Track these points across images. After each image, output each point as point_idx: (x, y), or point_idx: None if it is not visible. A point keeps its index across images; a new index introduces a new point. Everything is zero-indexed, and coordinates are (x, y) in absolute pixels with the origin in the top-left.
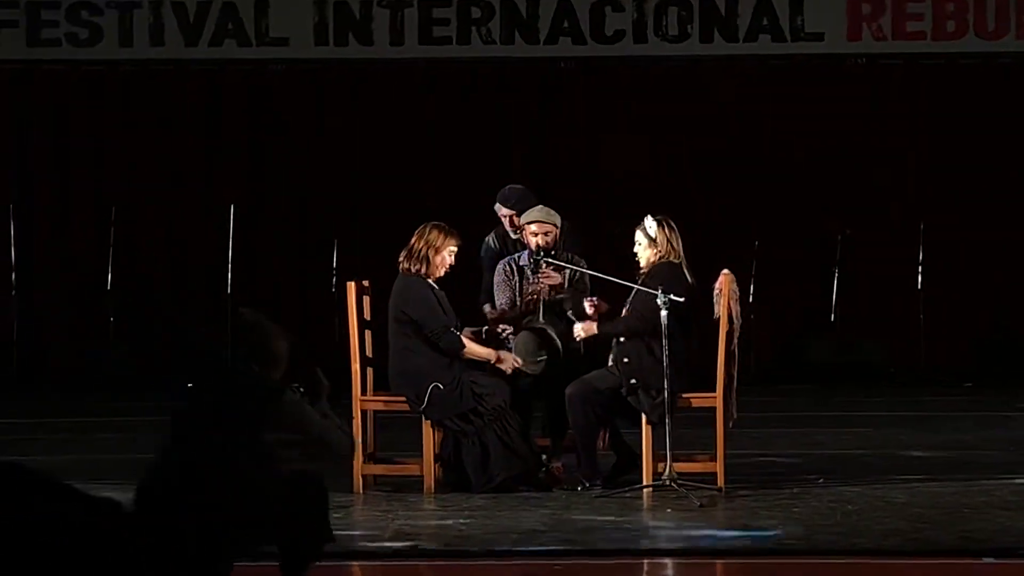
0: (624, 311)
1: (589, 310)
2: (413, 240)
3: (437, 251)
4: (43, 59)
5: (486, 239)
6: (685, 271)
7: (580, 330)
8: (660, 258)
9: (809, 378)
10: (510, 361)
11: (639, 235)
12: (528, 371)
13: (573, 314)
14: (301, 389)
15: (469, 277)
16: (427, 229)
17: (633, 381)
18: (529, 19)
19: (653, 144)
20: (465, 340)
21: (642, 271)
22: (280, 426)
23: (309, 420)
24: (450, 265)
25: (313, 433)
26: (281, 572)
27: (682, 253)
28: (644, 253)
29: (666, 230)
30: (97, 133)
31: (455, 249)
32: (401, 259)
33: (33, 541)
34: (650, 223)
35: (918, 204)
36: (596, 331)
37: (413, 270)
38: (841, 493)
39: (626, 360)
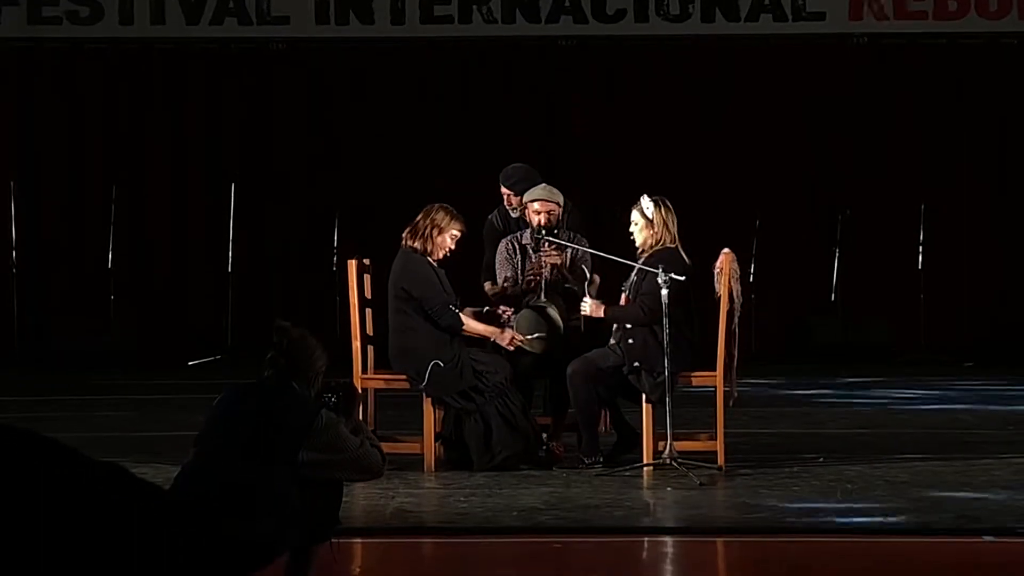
0: (624, 297)
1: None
2: (419, 218)
3: (441, 231)
4: (44, 37)
5: (489, 217)
6: (682, 254)
7: (587, 306)
8: (657, 241)
9: (810, 357)
10: (509, 336)
11: (635, 215)
12: (529, 348)
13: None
14: (333, 399)
15: (470, 256)
16: (434, 209)
17: (636, 363)
18: None
19: (655, 122)
20: (465, 318)
21: (639, 253)
22: (316, 448)
23: (344, 441)
24: (450, 249)
25: (348, 455)
26: (290, 559)
27: (677, 235)
28: (640, 234)
29: (663, 211)
30: (99, 111)
31: (458, 234)
32: (405, 235)
33: (41, 507)
34: (647, 203)
35: (919, 184)
36: (603, 314)
37: (416, 247)
38: (841, 472)
39: (631, 341)
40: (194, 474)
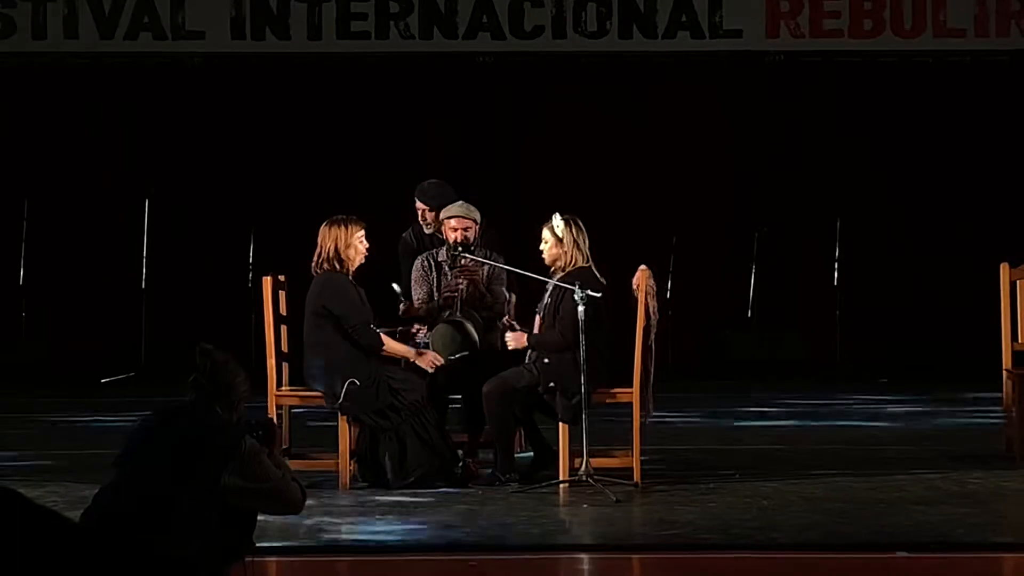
0: (537, 319)
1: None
2: (319, 244)
3: (348, 244)
4: None
5: (404, 234)
6: (596, 272)
7: (511, 340)
8: (568, 261)
9: (726, 373)
10: (430, 359)
11: (546, 233)
12: (444, 360)
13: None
14: (257, 434)
15: (386, 272)
16: (328, 229)
17: (552, 384)
18: (448, 14)
19: (572, 139)
20: (385, 338)
21: (551, 272)
22: (239, 473)
23: (267, 470)
24: (367, 249)
25: (270, 484)
26: None
27: (588, 254)
28: (550, 252)
29: (573, 230)
30: (10, 127)
31: (362, 233)
32: (314, 266)
33: None
34: (557, 222)
35: (834, 200)
36: (526, 343)
37: (328, 269)
38: (757, 488)
39: (546, 361)
40: (115, 494)
